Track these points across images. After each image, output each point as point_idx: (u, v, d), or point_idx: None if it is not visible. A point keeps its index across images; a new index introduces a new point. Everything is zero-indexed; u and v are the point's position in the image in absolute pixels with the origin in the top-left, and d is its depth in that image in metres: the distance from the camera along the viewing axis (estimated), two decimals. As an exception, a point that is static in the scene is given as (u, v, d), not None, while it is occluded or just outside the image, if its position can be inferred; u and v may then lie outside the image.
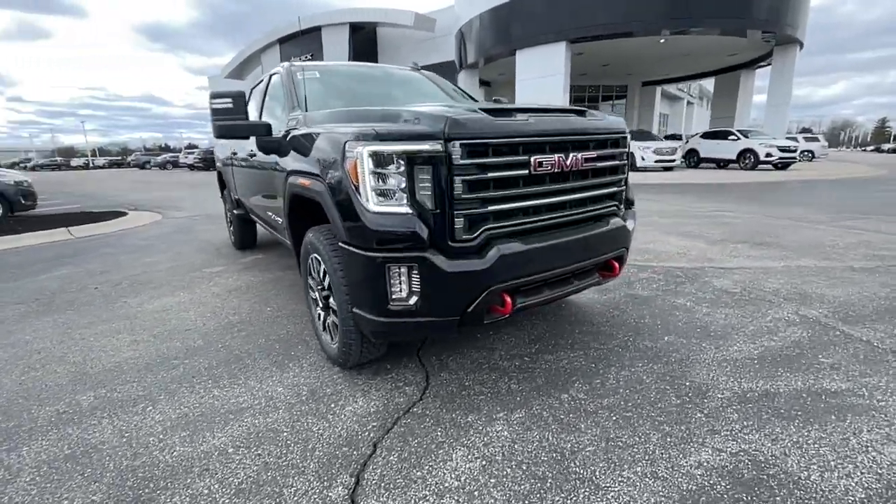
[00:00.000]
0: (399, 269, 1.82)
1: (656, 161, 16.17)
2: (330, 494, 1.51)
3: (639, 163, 15.96)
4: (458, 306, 1.87)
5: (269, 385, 2.21)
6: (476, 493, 1.51)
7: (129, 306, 3.40)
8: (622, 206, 2.44)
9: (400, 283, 1.84)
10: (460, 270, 1.80)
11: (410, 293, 1.85)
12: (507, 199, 1.91)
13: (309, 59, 30.90)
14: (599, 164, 2.19)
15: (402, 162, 1.76)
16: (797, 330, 2.64)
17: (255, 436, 1.83)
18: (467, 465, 1.63)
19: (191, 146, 53.63)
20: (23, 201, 8.25)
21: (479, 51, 20.24)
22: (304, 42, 31.61)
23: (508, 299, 1.96)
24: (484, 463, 1.64)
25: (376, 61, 28.17)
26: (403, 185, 1.78)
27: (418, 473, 1.60)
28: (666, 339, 2.59)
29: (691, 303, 3.15)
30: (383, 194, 1.80)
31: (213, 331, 2.88)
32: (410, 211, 1.79)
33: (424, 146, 1.74)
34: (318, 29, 28.63)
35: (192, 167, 33.54)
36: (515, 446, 1.73)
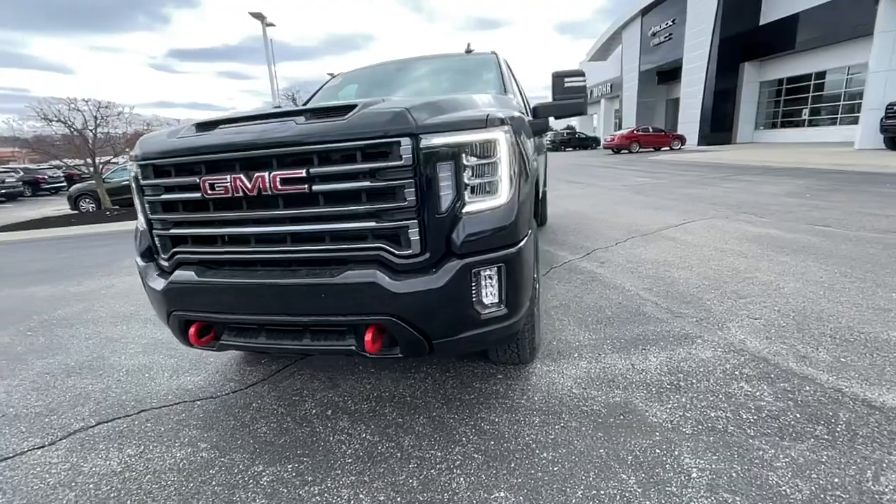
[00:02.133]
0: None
1: None
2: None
3: None
4: (164, 321, 1.90)
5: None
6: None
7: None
8: (401, 250, 1.53)
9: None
10: (152, 287, 1.83)
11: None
12: (186, 224, 1.71)
13: (670, 25, 27.86)
14: (328, 187, 1.51)
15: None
16: None
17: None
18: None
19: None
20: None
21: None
22: (665, 9, 28.69)
23: (213, 332, 1.80)
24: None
25: (758, 16, 22.42)
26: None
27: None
28: None
29: None
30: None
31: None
32: (145, 227, 1.93)
33: (134, 166, 1.84)
34: (683, -9, 25.35)
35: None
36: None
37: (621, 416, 1.85)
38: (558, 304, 3.10)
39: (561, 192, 9.31)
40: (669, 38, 28.68)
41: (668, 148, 24.17)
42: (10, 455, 1.88)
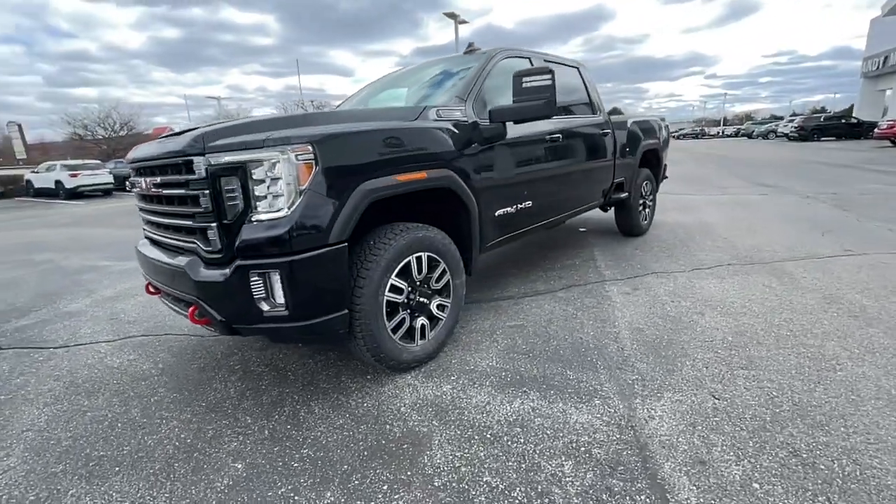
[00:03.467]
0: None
1: None
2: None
3: None
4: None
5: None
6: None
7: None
8: (207, 246, 1.84)
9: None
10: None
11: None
12: (140, 210, 2.42)
13: None
14: (165, 192, 1.96)
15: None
16: None
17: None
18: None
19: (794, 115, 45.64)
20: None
21: None
22: None
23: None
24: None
25: None
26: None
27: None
28: None
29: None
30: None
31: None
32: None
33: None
34: None
35: (788, 136, 29.60)
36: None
37: (405, 446, 1.77)
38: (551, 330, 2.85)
39: (711, 200, 7.55)
40: None
41: None
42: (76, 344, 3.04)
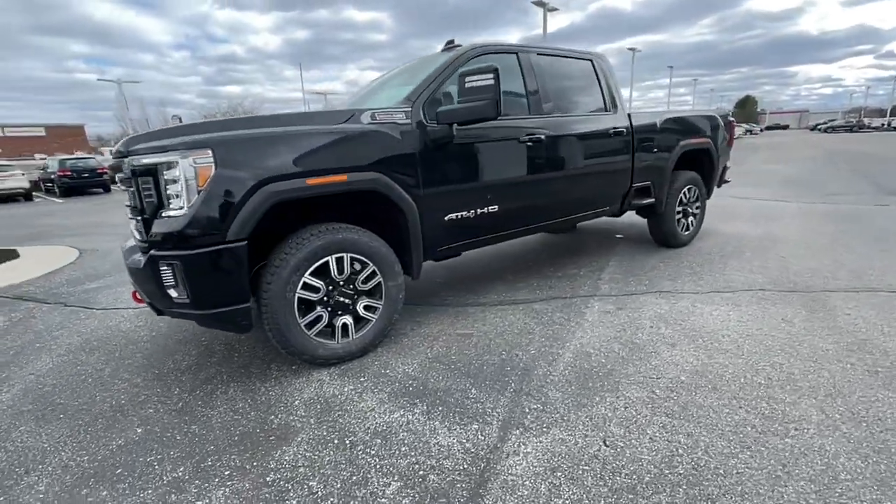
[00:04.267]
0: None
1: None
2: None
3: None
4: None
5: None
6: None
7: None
8: (141, 236, 2.11)
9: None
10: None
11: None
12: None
13: None
14: (121, 186, 2.28)
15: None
16: None
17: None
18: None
19: None
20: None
21: None
22: None
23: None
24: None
25: None
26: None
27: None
28: None
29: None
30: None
31: None
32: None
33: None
34: None
35: None
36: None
37: (272, 438, 1.87)
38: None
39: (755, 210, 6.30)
40: None
41: None
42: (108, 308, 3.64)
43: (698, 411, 1.89)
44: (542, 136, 3.05)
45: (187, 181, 1.93)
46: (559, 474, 1.58)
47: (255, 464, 1.73)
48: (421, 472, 1.63)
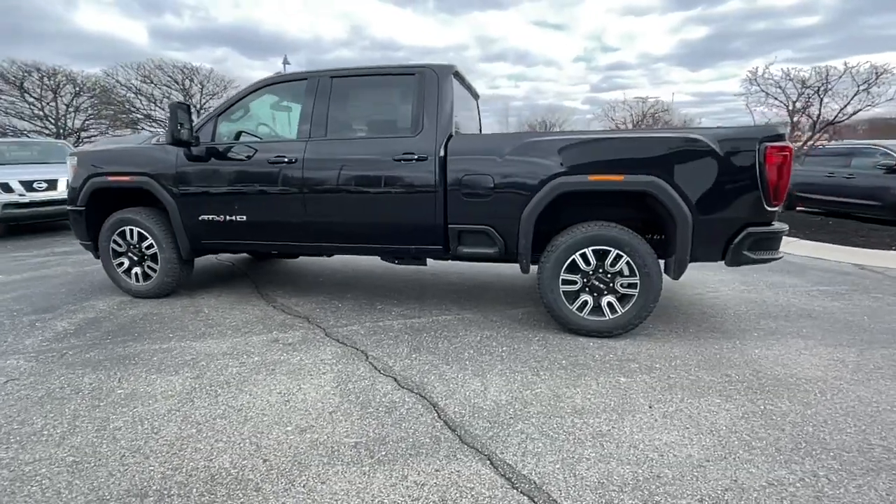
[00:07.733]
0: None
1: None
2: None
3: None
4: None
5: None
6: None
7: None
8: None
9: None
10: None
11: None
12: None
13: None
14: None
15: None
16: None
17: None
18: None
19: None
20: None
21: None
22: None
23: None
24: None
25: None
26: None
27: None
28: None
29: None
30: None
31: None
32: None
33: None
34: None
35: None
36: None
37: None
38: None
39: None
40: None
41: None
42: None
43: None
44: (293, 159, 3.15)
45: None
46: None
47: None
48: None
